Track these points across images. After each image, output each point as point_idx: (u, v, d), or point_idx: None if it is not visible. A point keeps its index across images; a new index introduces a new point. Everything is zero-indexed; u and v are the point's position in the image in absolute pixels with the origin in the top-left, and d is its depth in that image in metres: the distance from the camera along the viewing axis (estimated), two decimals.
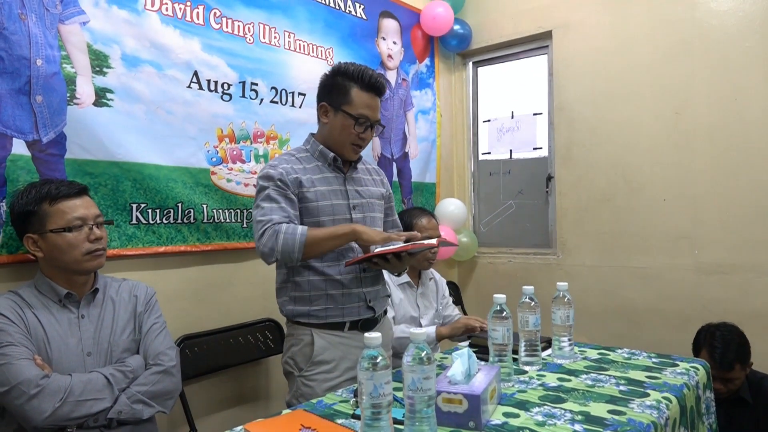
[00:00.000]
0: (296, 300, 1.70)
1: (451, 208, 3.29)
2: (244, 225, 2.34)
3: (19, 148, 1.71)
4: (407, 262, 1.63)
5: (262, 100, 2.40)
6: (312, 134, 1.80)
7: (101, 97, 1.89)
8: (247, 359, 2.29)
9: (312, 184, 1.67)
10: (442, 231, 2.64)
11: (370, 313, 1.74)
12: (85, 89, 1.85)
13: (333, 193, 1.70)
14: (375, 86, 1.69)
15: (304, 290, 1.68)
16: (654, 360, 1.70)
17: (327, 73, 1.75)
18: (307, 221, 1.67)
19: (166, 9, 2.08)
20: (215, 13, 2.23)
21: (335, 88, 1.70)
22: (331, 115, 1.71)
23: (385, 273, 1.90)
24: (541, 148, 3.41)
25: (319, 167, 1.73)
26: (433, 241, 1.62)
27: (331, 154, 1.72)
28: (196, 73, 2.16)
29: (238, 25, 2.32)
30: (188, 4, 2.14)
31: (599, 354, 1.77)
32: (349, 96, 1.67)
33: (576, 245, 3.14)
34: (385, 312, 1.89)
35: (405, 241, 1.60)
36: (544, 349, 1.75)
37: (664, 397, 1.35)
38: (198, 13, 2.18)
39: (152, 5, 2.03)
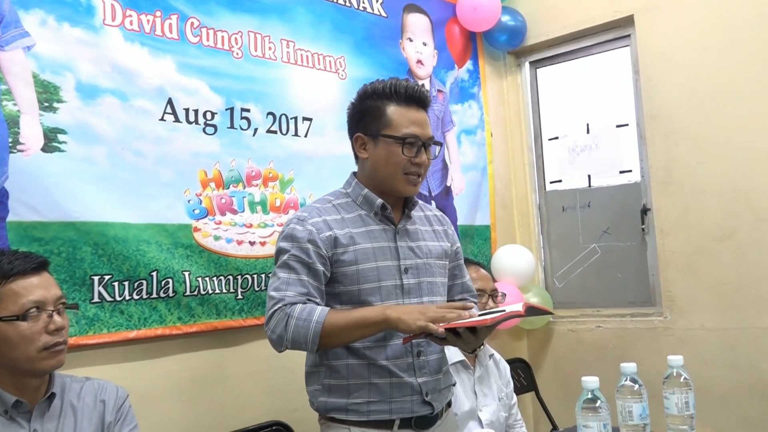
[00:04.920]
0: (331, 390, 1.74)
1: (513, 258, 3.27)
2: (240, 296, 2.37)
3: None
4: (484, 336, 1.64)
5: (256, 130, 2.46)
6: (354, 174, 1.87)
7: (51, 139, 1.96)
8: None
9: (351, 242, 1.73)
10: (504, 290, 2.64)
11: (426, 410, 1.75)
12: (31, 131, 1.93)
13: (380, 251, 1.75)
14: (415, 97, 1.77)
15: (342, 377, 1.72)
16: None
17: (353, 101, 1.83)
18: (344, 290, 1.72)
19: (131, 23, 2.18)
20: (192, 24, 2.32)
21: (367, 113, 1.78)
22: (370, 146, 1.78)
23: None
24: (630, 171, 3.39)
25: (362, 218, 1.78)
26: (519, 306, 1.63)
27: (379, 201, 1.77)
28: (170, 102, 2.24)
29: (222, 37, 2.41)
30: (157, 14, 2.24)
31: None
32: (387, 116, 1.75)
33: (689, 301, 3.08)
34: (449, 404, 1.90)
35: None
36: None
37: None
38: (170, 24, 2.27)
39: (113, 19, 2.13)
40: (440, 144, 1.89)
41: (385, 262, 1.75)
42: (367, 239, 1.75)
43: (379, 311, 1.62)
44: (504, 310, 1.63)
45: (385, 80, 1.79)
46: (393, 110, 1.75)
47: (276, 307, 1.64)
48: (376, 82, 1.79)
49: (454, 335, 1.59)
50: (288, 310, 1.62)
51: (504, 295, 2.53)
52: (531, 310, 1.63)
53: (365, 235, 1.75)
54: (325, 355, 1.74)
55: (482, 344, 1.75)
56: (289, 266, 1.68)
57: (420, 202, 1.93)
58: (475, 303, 1.98)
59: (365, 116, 1.78)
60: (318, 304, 1.68)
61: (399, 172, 1.75)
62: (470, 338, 1.59)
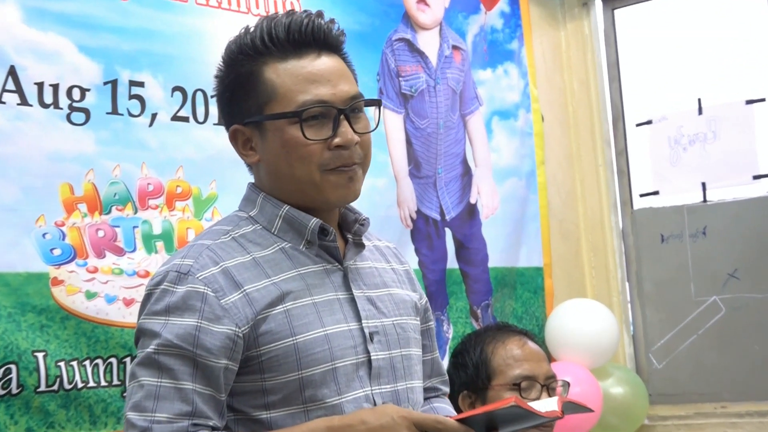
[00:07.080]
0: None
1: (583, 321, 3.27)
2: None
3: None
4: None
5: (154, 116, 2.46)
6: (253, 185, 1.80)
7: None
8: None
9: (279, 301, 1.62)
10: (567, 376, 2.63)
11: None
12: None
13: (325, 308, 1.66)
14: (304, 37, 1.68)
15: None
16: None
17: (216, 72, 1.76)
18: (275, 384, 1.61)
19: None
20: None
21: (238, 87, 1.72)
22: (257, 141, 1.71)
23: None
24: None
25: (286, 254, 1.69)
26: (554, 403, 1.61)
27: (315, 221, 1.69)
28: (13, 72, 2.24)
29: None
30: None
31: None
32: (266, 83, 1.68)
33: None
34: None
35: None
36: None
37: None
38: None
39: None
40: (377, 103, 1.78)
41: (337, 326, 1.65)
42: (303, 290, 1.64)
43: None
44: (531, 407, 1.57)
45: (255, 25, 1.72)
46: (275, 71, 1.67)
47: None
48: (241, 33, 1.72)
49: None
50: None
51: (567, 384, 2.48)
52: (569, 407, 1.65)
53: (297, 282, 1.65)
54: None
55: None
56: (159, 365, 1.54)
57: (362, 216, 1.81)
58: (445, 393, 2.01)
59: (236, 94, 1.72)
60: (214, 428, 1.56)
61: (314, 172, 1.65)
62: None
